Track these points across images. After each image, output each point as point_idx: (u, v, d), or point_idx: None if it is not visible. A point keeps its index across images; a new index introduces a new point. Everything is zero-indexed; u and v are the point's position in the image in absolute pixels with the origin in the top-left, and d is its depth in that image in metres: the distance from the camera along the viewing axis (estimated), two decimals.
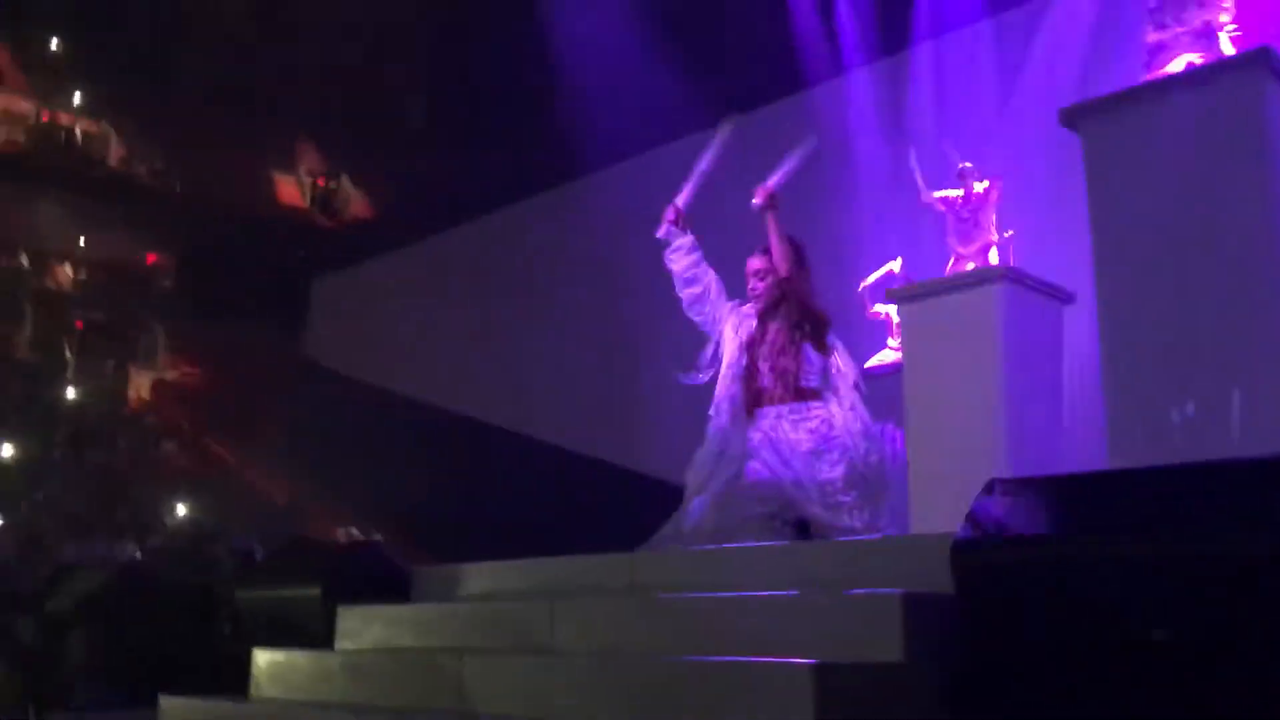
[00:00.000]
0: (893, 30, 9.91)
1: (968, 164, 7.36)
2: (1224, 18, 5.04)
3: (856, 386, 4.03)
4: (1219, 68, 4.78)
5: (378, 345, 16.93)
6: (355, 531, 12.98)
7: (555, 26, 11.62)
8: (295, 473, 17.74)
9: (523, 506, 12.44)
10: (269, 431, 18.18)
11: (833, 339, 4.33)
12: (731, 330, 4.67)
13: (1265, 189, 4.55)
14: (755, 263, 4.76)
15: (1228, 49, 4.94)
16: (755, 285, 4.66)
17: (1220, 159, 4.72)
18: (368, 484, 15.12)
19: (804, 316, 4.33)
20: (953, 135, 9.23)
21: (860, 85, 10.23)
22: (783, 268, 4.50)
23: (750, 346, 4.48)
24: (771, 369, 4.37)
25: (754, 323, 4.56)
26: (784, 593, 3.05)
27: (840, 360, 4.06)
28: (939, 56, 9.76)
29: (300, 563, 4.72)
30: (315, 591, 4.22)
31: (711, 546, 3.69)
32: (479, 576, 4.19)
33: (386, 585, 4.35)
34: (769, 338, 4.42)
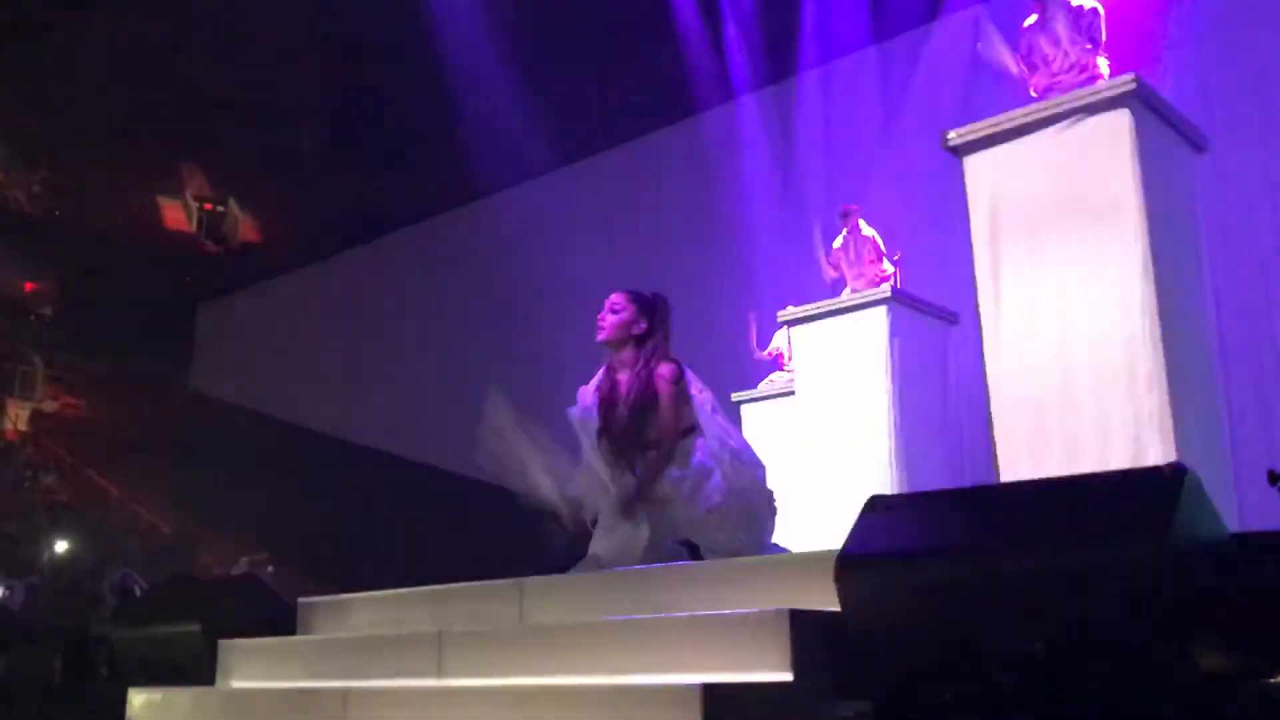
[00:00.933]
0: (780, 57, 10.10)
1: (851, 206, 7.57)
2: (1101, 56, 5.23)
3: (714, 409, 4.00)
4: (1092, 98, 4.95)
5: (266, 372, 16.58)
6: (245, 562, 12.65)
7: (445, 53, 11.56)
8: (184, 504, 17.25)
9: (416, 531, 12.30)
10: (155, 462, 17.65)
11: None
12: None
13: (1139, 214, 4.71)
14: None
15: (1104, 76, 5.13)
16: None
17: (1096, 186, 4.88)
18: (259, 513, 14.78)
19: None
20: (838, 160, 9.46)
21: (749, 111, 10.39)
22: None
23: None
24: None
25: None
26: (673, 614, 3.03)
27: (695, 388, 3.98)
28: (825, 82, 9.97)
29: (180, 599, 4.56)
30: (194, 628, 4.07)
31: (602, 571, 3.65)
32: (366, 607, 4.09)
33: (271, 619, 4.23)
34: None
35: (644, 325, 4.15)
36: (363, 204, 14.35)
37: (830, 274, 7.52)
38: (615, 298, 4.21)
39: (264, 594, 4.47)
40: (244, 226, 19.57)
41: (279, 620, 4.27)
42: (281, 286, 16.97)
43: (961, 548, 2.54)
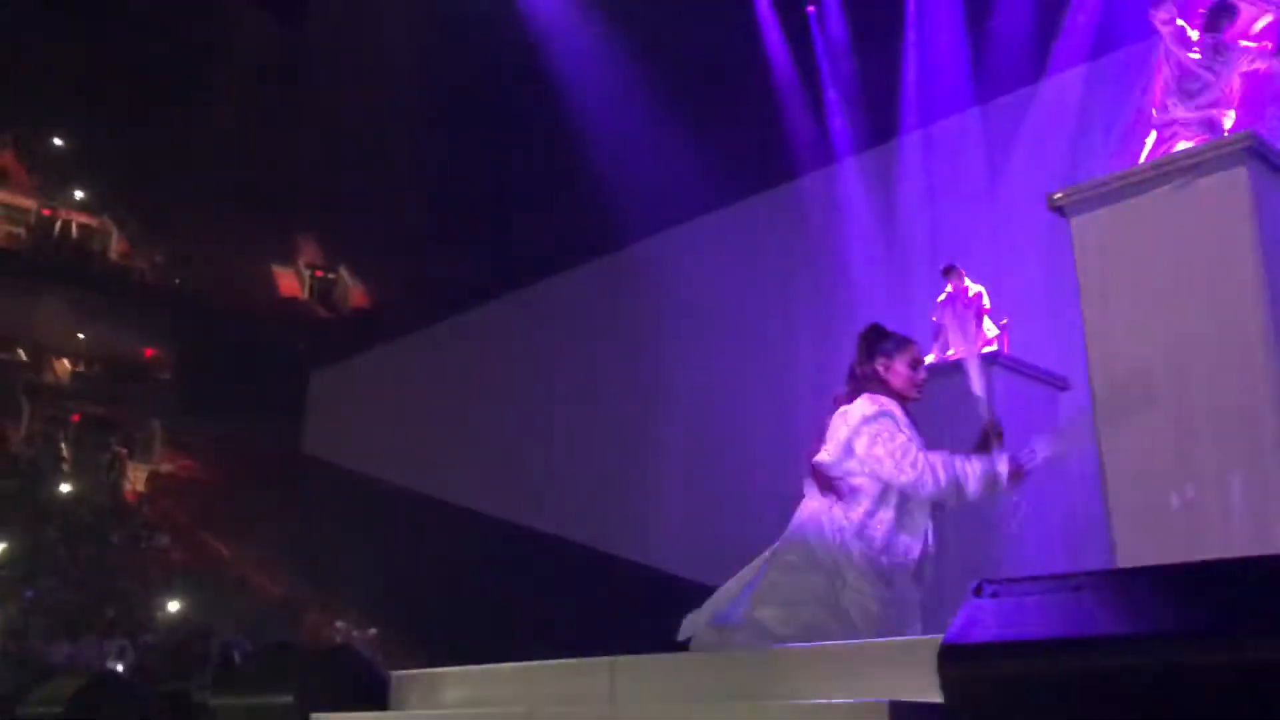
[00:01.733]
0: (882, 120, 10.02)
1: (954, 264, 7.40)
2: (1228, 111, 5.03)
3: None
4: (1205, 154, 4.76)
5: (376, 437, 16.84)
6: (347, 627, 12.75)
7: (553, 118, 11.76)
8: (292, 568, 17.52)
9: (528, 602, 12.25)
10: (266, 525, 18.01)
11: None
12: None
13: (1256, 274, 4.49)
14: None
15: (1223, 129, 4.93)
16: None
17: (1211, 245, 4.67)
18: (366, 579, 14.92)
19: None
20: (942, 223, 9.30)
21: (849, 175, 10.33)
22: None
23: None
24: None
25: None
26: (771, 702, 2.91)
27: None
28: (928, 144, 9.86)
29: (276, 668, 4.57)
30: (288, 699, 4.06)
31: (695, 653, 3.54)
32: (461, 683, 4.04)
33: (364, 691, 4.19)
34: None
35: None
36: (471, 269, 14.59)
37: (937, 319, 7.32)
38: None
39: (359, 665, 4.44)
40: (355, 293, 20.11)
41: (373, 693, 4.24)
42: (393, 351, 17.30)
43: (1076, 638, 2.38)
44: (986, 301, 7.17)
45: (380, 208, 15.03)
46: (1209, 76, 5.10)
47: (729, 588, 3.70)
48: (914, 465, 3.50)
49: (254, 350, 18.55)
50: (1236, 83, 5.11)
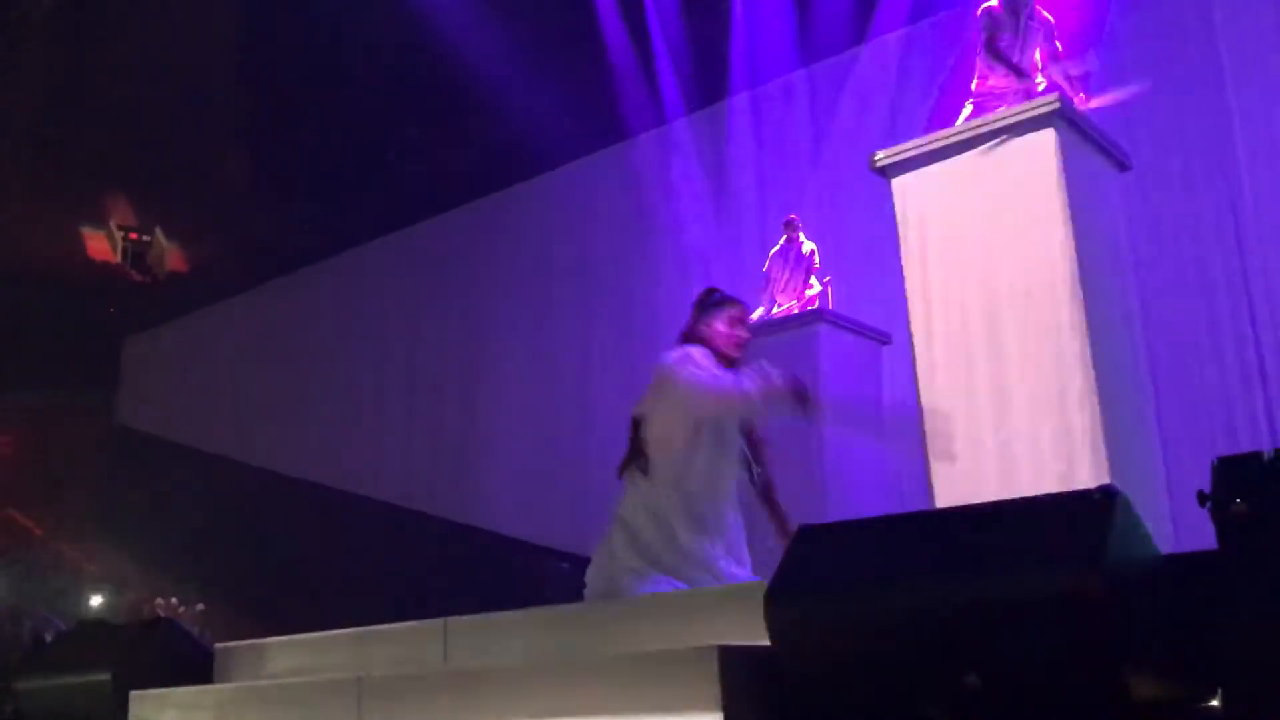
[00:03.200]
0: (712, 80, 10.10)
1: (794, 217, 7.55)
2: (1039, 79, 5.26)
3: None
4: (1017, 117, 4.97)
5: (194, 406, 16.19)
6: (167, 604, 12.28)
7: (372, 80, 11.42)
8: (109, 543, 16.78)
9: (355, 567, 12.05)
10: (79, 500, 17.16)
11: None
12: None
13: (1065, 233, 4.73)
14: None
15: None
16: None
17: (1023, 205, 4.89)
18: (190, 552, 14.40)
19: None
20: (770, 183, 9.47)
21: (681, 134, 10.40)
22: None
23: None
24: None
25: None
26: (601, 655, 2.94)
27: None
28: (755, 105, 10.00)
29: (91, 646, 4.36)
30: (104, 677, 3.89)
31: (526, 610, 3.54)
32: (287, 652, 3.94)
33: (186, 666, 4.04)
34: None
35: None
36: (291, 232, 14.10)
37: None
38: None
39: (180, 639, 4.28)
40: (172, 256, 19.15)
41: (196, 667, 4.10)
42: (210, 318, 16.62)
43: (892, 578, 2.47)
44: (817, 260, 7.35)
45: (200, 166, 14.34)
46: (1017, 45, 5.33)
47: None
48: (703, 382, 3.55)
49: (61, 317, 17.53)
50: (1038, 54, 5.36)
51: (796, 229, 7.43)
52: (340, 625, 3.86)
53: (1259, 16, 7.45)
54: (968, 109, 5.36)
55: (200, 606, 12.83)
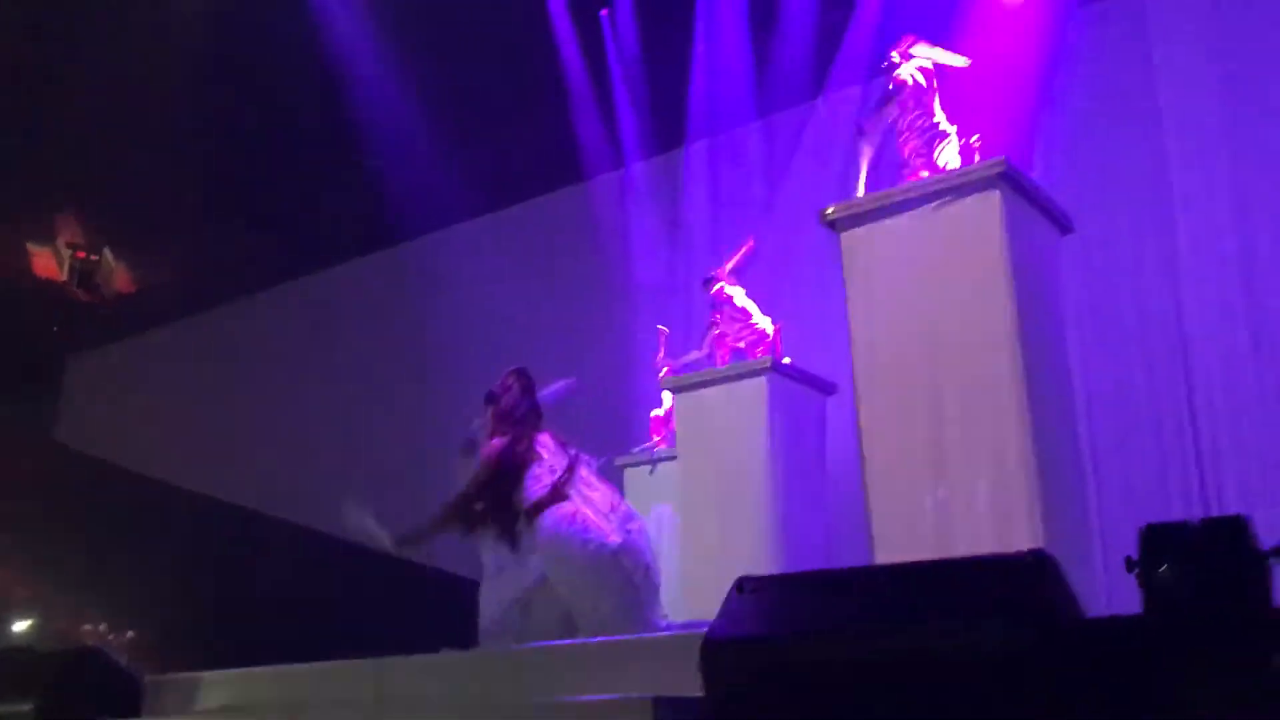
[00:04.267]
0: (669, 128, 10.21)
1: (714, 272, 7.65)
2: (954, 131, 5.40)
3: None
4: (965, 178, 5.09)
5: (136, 428, 15.92)
6: (104, 629, 12.02)
7: (335, 105, 11.40)
8: (38, 567, 16.38)
9: (295, 600, 11.86)
10: (9, 521, 16.76)
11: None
12: None
13: (1007, 292, 4.84)
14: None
15: (954, 161, 5.28)
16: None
17: (966, 264, 5.00)
18: (123, 579, 14.11)
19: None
20: (725, 229, 9.58)
21: (637, 179, 10.48)
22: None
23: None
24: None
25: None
26: (539, 698, 2.93)
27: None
28: (713, 154, 10.11)
29: (12, 675, 4.26)
30: (26, 709, 3.80)
31: (466, 652, 3.53)
32: (219, 687, 3.88)
33: (114, 699, 3.96)
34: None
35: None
36: (242, 256, 13.98)
37: (699, 354, 7.60)
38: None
39: (108, 670, 4.20)
40: (119, 276, 18.87)
41: (124, 699, 4.02)
42: (157, 339, 16.40)
43: (828, 631, 2.51)
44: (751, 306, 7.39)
45: (149, 189, 14.18)
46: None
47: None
48: None
49: (2, 331, 17.19)
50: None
51: (714, 282, 7.55)
52: (276, 658, 3.83)
53: (1201, 80, 7.66)
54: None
55: (130, 634, 12.58)
